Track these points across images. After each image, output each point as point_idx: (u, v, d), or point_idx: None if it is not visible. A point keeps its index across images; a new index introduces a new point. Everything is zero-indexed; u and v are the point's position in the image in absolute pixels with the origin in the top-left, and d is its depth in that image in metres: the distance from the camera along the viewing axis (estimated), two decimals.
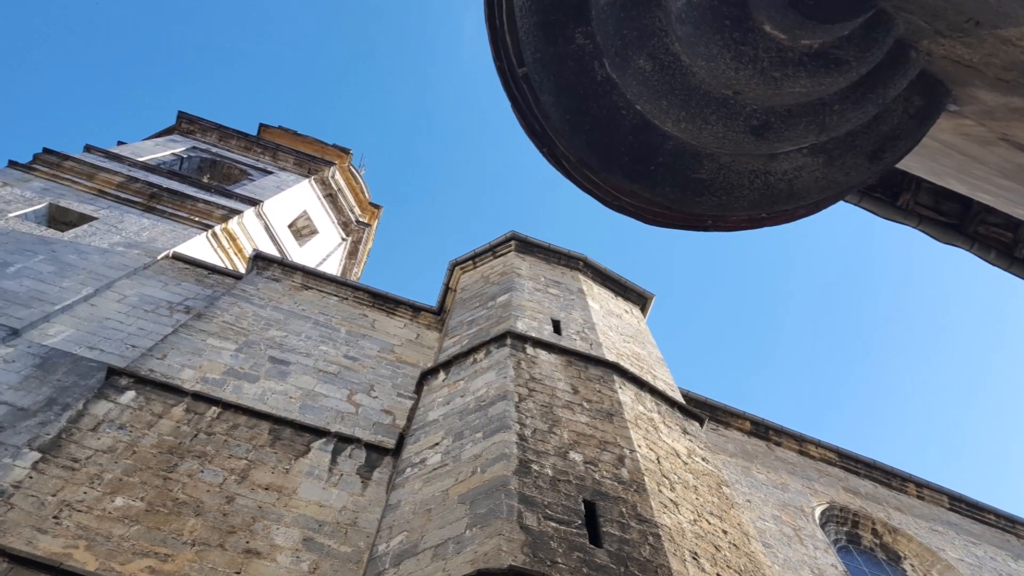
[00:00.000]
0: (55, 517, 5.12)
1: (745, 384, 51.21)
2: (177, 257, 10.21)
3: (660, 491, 5.51)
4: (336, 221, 18.70)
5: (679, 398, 8.31)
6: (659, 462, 6.09)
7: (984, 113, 2.36)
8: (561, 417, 6.17)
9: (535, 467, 5.21)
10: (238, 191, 14.14)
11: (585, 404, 6.59)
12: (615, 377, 7.44)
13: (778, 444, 10.91)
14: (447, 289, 11.09)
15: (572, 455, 5.57)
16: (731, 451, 10.08)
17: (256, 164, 16.95)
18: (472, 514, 4.69)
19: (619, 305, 11.04)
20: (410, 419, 7.37)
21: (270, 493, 5.99)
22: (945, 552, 9.80)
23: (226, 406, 6.84)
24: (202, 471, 5.97)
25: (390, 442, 7.12)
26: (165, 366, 7.24)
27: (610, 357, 7.95)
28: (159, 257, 9.94)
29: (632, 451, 5.91)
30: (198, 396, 6.84)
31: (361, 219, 19.70)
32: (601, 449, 5.80)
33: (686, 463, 6.52)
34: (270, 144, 17.88)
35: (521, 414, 5.96)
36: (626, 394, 7.19)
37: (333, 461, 6.63)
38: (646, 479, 5.51)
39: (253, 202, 13.61)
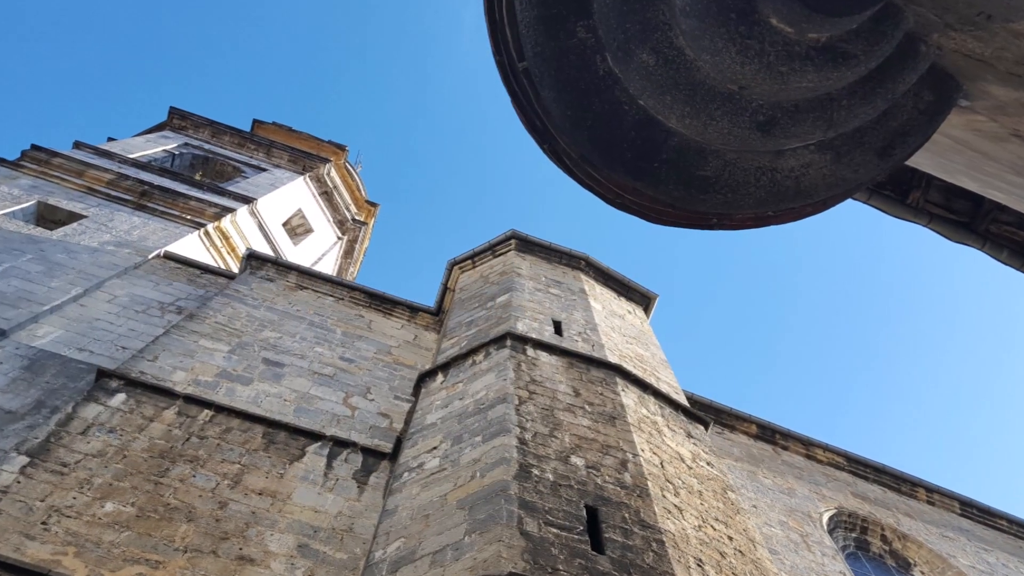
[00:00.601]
0: (43, 523, 5.03)
1: (751, 387, 51.01)
2: (169, 256, 10.10)
3: (664, 496, 5.44)
4: (332, 219, 18.58)
5: (683, 401, 8.24)
6: (663, 466, 6.02)
7: (996, 108, 2.31)
8: (562, 420, 6.09)
9: (536, 471, 5.13)
10: (231, 189, 14.02)
11: (587, 407, 6.51)
12: (618, 379, 7.37)
13: (785, 448, 10.78)
14: (445, 289, 11.00)
15: (574, 459, 5.49)
16: (736, 455, 9.97)
17: (250, 161, 16.81)
18: (471, 520, 4.61)
19: (622, 305, 10.96)
20: (407, 422, 7.29)
21: (264, 498, 5.90)
22: (956, 559, 9.68)
23: (219, 409, 6.74)
24: (194, 476, 5.88)
25: (387, 446, 7.03)
26: (156, 368, 7.14)
27: (612, 359, 7.87)
28: (150, 256, 9.83)
29: (635, 455, 5.83)
30: (190, 399, 6.74)
31: (357, 217, 19.57)
32: (603, 453, 5.73)
33: (690, 467, 6.45)
34: (264, 141, 17.75)
35: (521, 417, 5.88)
36: (629, 397, 7.12)
37: (328, 465, 6.54)
38: (649, 484, 5.43)
39: (247, 200, 13.49)
